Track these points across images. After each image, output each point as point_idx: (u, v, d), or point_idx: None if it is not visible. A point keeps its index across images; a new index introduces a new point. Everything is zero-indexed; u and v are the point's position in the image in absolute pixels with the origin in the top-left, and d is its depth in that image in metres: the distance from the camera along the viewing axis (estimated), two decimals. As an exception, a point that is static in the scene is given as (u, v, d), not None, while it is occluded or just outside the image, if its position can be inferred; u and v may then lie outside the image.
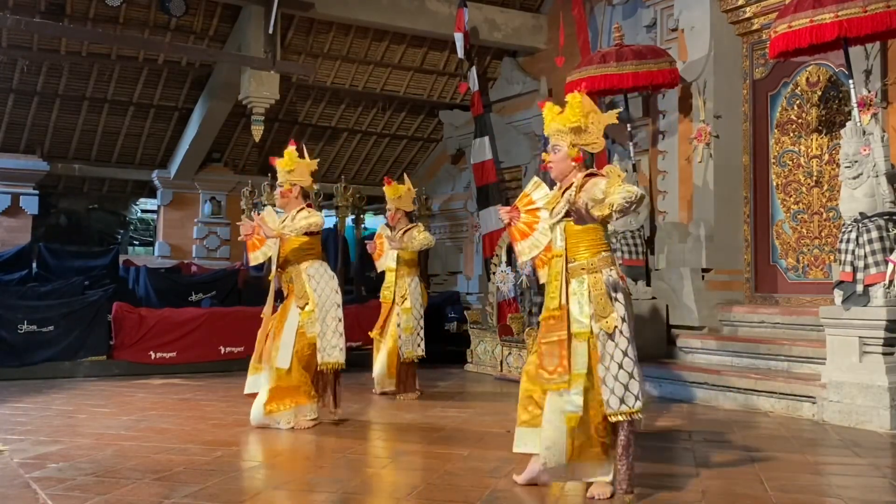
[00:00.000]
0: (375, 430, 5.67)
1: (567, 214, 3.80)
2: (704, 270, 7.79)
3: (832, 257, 6.80)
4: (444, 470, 4.31)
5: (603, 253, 3.82)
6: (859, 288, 5.82)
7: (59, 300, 8.24)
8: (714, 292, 7.75)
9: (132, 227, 15.54)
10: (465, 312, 9.85)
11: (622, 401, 3.64)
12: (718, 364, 7.13)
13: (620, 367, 3.67)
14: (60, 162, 11.61)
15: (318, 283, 5.59)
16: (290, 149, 5.73)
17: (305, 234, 5.57)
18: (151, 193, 13.05)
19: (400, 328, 7.00)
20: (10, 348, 7.79)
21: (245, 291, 9.91)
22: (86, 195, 13.19)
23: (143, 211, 15.25)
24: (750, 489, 3.96)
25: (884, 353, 5.71)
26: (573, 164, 3.88)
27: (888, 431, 5.49)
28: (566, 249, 3.81)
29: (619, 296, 3.75)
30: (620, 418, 3.66)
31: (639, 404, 3.68)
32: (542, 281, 4.26)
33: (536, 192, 4.19)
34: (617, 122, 4.14)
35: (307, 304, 5.53)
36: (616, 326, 3.69)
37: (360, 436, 5.36)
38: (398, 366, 7.01)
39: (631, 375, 3.67)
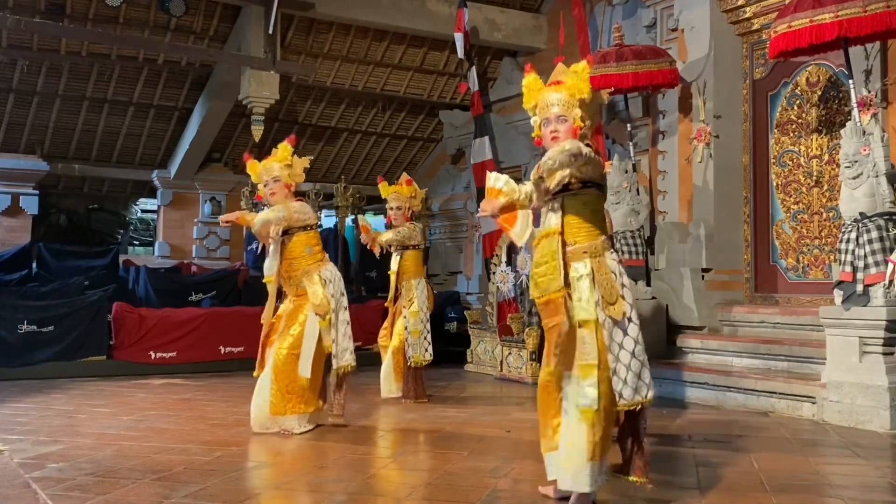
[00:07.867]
0: (375, 431, 5.66)
1: (565, 188, 3.44)
2: (704, 270, 7.79)
3: (832, 257, 6.79)
4: (444, 470, 4.31)
5: (603, 236, 3.57)
6: (859, 288, 5.82)
7: (59, 300, 8.24)
8: (714, 292, 7.75)
9: (132, 227, 15.53)
10: (465, 312, 9.85)
11: (636, 391, 3.49)
12: (718, 364, 7.13)
13: (633, 355, 3.50)
14: (60, 162, 11.60)
15: (334, 287, 5.43)
16: (285, 144, 5.50)
17: (305, 227, 5.40)
18: (151, 193, 13.04)
19: (407, 331, 6.77)
20: (10, 348, 7.79)
21: (245, 291, 9.91)
22: (86, 195, 13.18)
23: (143, 211, 15.23)
24: (750, 489, 3.96)
25: (884, 353, 5.71)
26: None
27: (888, 431, 5.49)
28: (563, 228, 3.50)
29: (625, 280, 3.57)
30: (635, 407, 3.52)
31: (651, 393, 3.56)
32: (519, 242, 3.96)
33: (496, 182, 3.77)
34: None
35: (327, 313, 5.35)
36: (625, 313, 3.49)
37: (360, 436, 5.35)
38: (405, 370, 6.80)
39: (643, 364, 3.53)
